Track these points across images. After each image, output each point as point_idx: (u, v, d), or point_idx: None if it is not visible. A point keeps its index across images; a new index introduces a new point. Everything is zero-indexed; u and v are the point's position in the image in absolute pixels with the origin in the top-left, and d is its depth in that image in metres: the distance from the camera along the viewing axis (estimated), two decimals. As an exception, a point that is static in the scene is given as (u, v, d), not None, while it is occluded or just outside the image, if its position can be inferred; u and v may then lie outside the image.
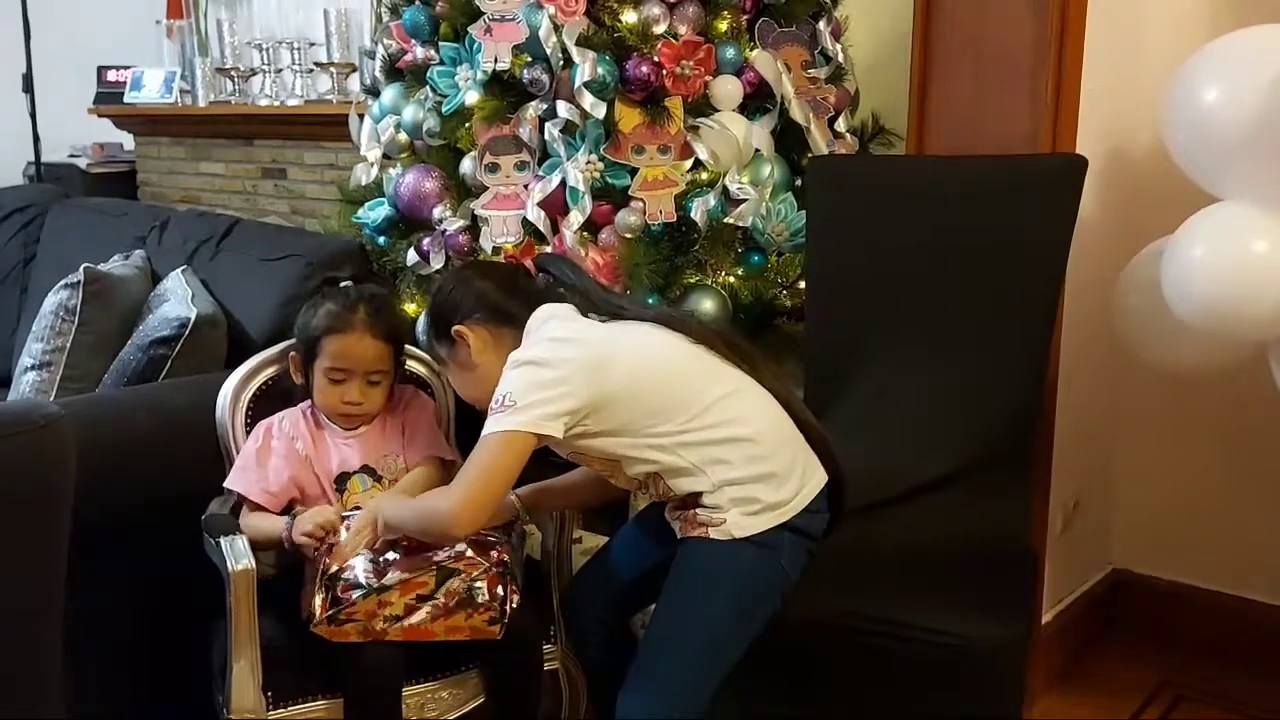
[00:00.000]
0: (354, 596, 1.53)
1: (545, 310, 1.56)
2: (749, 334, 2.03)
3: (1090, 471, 2.30)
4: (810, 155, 2.07)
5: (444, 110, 2.04)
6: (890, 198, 1.88)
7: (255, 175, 3.65)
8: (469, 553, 1.56)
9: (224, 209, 3.64)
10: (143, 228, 2.60)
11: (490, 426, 1.44)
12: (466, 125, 2.05)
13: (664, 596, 1.50)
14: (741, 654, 1.47)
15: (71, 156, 4.26)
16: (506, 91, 2.00)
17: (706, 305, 1.98)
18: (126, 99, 3.93)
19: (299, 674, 1.61)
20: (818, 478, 1.53)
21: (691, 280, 2.00)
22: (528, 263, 1.82)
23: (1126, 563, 2.42)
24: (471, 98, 2.00)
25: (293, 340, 1.78)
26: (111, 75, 4.03)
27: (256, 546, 1.61)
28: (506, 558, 1.60)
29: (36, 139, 3.88)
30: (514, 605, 1.59)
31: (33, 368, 2.14)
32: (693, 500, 1.49)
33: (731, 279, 2.03)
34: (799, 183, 2.09)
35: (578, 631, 1.72)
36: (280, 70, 3.59)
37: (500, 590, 1.57)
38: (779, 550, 1.47)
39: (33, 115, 3.84)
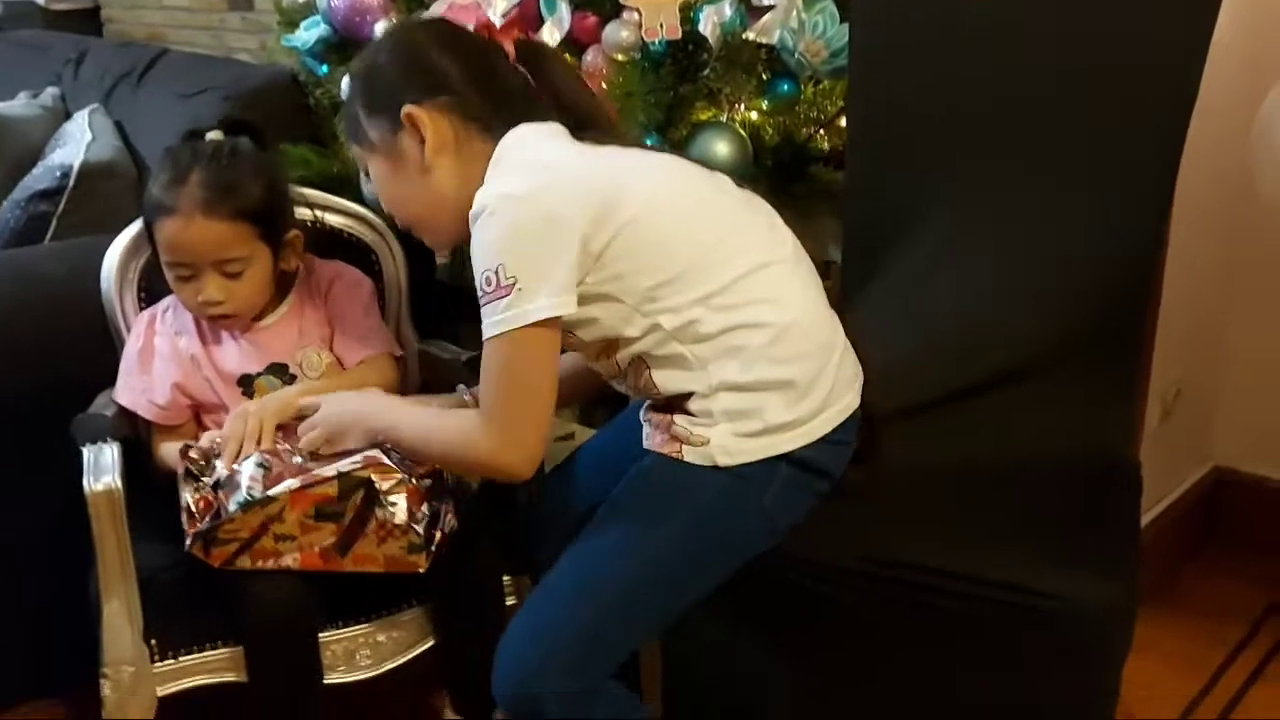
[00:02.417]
0: (230, 508, 1.18)
1: (523, 130, 1.17)
2: (776, 184, 1.64)
3: (1195, 356, 1.95)
4: (858, -53, 1.62)
5: (384, -107, 1.61)
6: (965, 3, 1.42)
7: (221, 7, 3.22)
8: (380, 457, 1.21)
9: (189, 46, 3.24)
10: (62, 63, 2.22)
11: (492, 322, 1.08)
12: (414, -87, 1.62)
13: (591, 524, 1.14)
14: (676, 616, 1.13)
15: (32, -9, 3.84)
16: None
17: (721, 148, 1.57)
18: (80, -79, 3.47)
19: (192, 616, 1.30)
20: (848, 399, 1.16)
21: (702, 116, 1.60)
22: (507, 45, 1.32)
23: (1230, 460, 2.11)
24: (416, -126, 1.57)
25: (138, 226, 1.41)
26: (65, -105, 3.56)
27: (171, 480, 1.28)
28: (439, 467, 1.25)
29: (-21, -29, 3.45)
30: (446, 531, 1.24)
31: (-92, 229, 1.78)
32: (677, 403, 1.12)
33: (753, 114, 1.63)
34: (842, -14, 1.64)
35: (534, 570, 1.35)
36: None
37: (424, 510, 1.22)
38: (763, 487, 1.11)
39: (-28, -57, 3.40)
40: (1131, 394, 1.55)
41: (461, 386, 1.33)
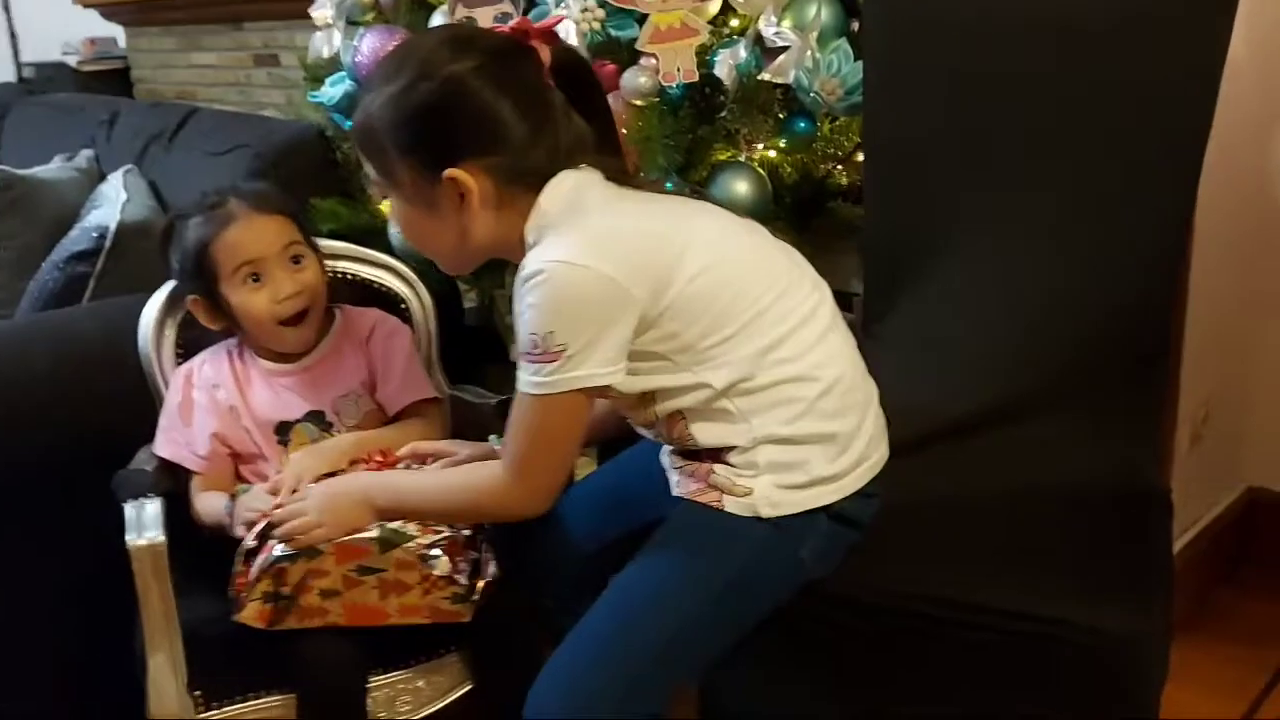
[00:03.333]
0: (275, 554, 1.20)
1: (568, 180, 1.12)
2: (796, 221, 1.65)
3: (1223, 375, 1.92)
4: (869, -13, 1.63)
5: (404, -48, 1.65)
6: (975, 36, 1.43)
7: (248, 64, 3.29)
8: None
9: (219, 104, 3.30)
10: (96, 125, 2.27)
11: (532, 382, 1.07)
12: (435, -30, 1.66)
13: (627, 570, 1.13)
14: (711, 662, 1.12)
15: (65, 54, 3.93)
16: (480, -76, 1.60)
17: (741, 187, 1.59)
18: (108, -17, 3.56)
19: (237, 667, 1.31)
20: (882, 450, 1.16)
21: (721, 157, 1.61)
22: (542, 52, 1.17)
23: (1263, 480, 2.07)
24: (436, -66, 1.61)
25: (174, 284, 1.44)
26: (93, -40, 3.65)
27: (212, 533, 1.32)
28: None
29: (14, 35, 3.55)
30: (489, 579, 1.25)
31: (-47, 292, 1.83)
32: (715, 453, 1.12)
33: (771, 153, 1.63)
34: (855, 25, 1.65)
35: (541, 612, 1.36)
36: (266, -61, 3.18)
37: (465, 560, 1.23)
38: (802, 538, 1.10)
39: (6, 9, 3.50)
40: (1159, 418, 1.54)
41: (494, 438, 1.34)
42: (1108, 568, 1.13)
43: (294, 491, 1.25)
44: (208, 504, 1.36)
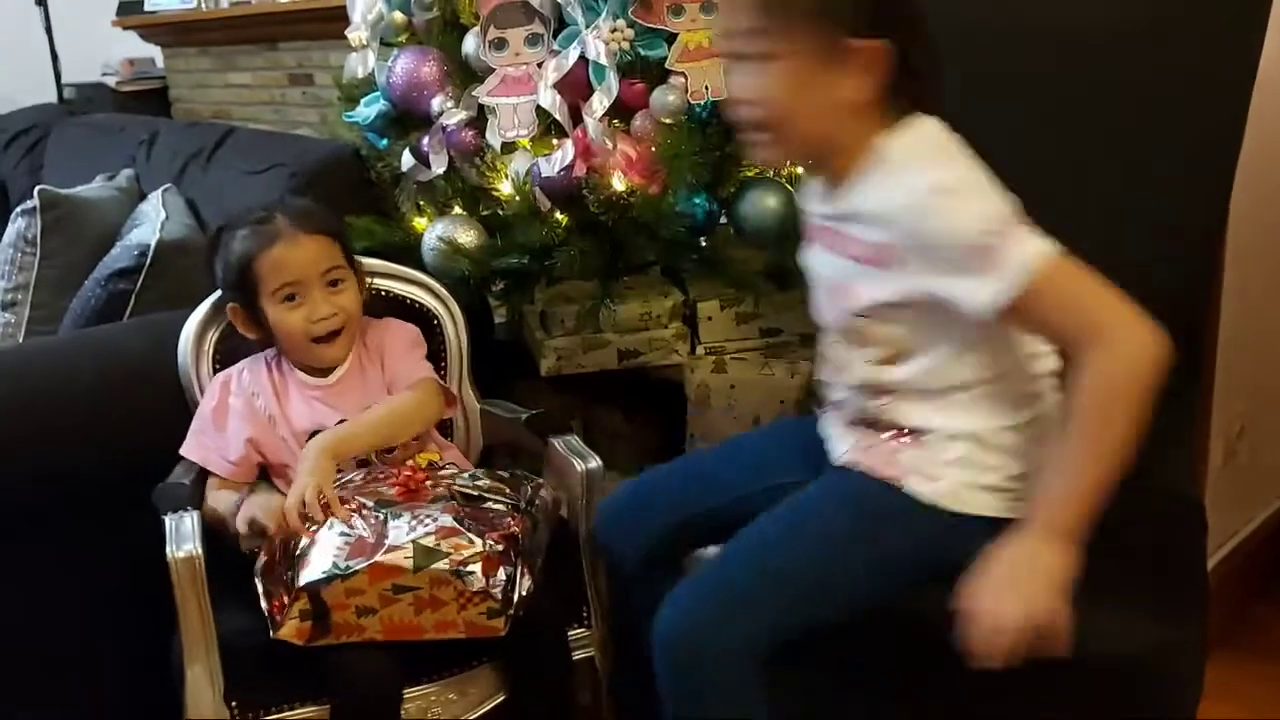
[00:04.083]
0: (317, 576, 1.21)
1: (933, 123, 1.08)
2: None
3: (1258, 389, 1.89)
4: None
5: (438, -25, 1.67)
6: (1002, 40, 1.43)
7: (283, 83, 3.35)
8: (456, 526, 1.23)
9: (254, 123, 3.35)
10: (136, 144, 2.32)
11: (1016, 270, 0.99)
12: (467, -8, 1.68)
13: (774, 511, 1.12)
14: (818, 623, 1.09)
15: (104, 75, 4.01)
16: (511, -54, 1.62)
17: (770, 202, 1.61)
18: (147, 6, 3.64)
19: (273, 678, 1.32)
20: None
21: (749, 173, 1.63)
22: None
23: None
24: (468, -44, 1.63)
25: (219, 294, 1.47)
26: (134, -17, 3.74)
27: (222, 530, 1.33)
28: (517, 531, 1.27)
29: (55, 56, 3.62)
30: (525, 593, 1.26)
31: (-2, 309, 1.87)
32: (906, 431, 1.11)
33: (799, 169, 1.62)
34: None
35: (608, 552, 1.34)
36: (302, -39, 3.24)
37: (502, 575, 1.24)
38: (970, 542, 1.03)
39: (48, 31, 3.57)
40: (1193, 433, 1.53)
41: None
42: (1142, 583, 1.12)
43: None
44: (220, 499, 1.39)
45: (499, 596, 1.23)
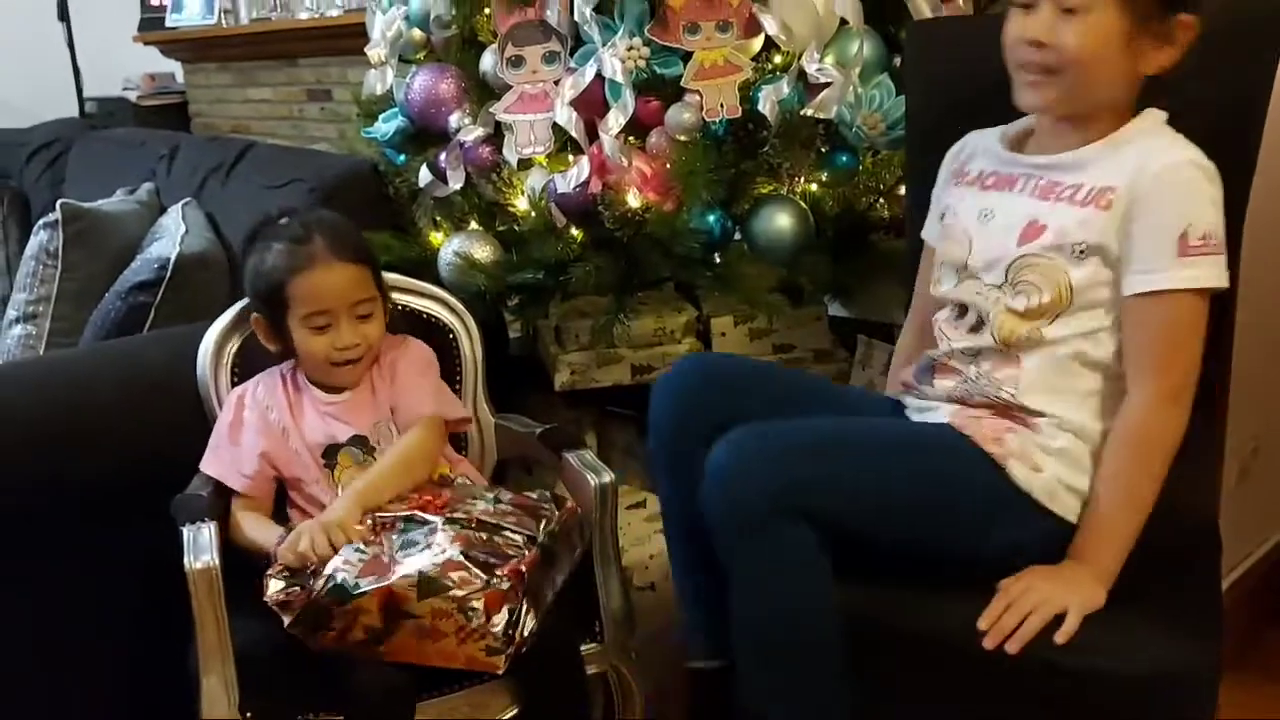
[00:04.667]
0: (325, 593, 1.22)
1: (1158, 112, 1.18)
2: (839, 253, 1.67)
3: (1273, 410, 1.88)
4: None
5: (456, -8, 1.69)
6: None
7: (301, 99, 3.37)
8: (463, 560, 1.22)
9: (272, 137, 3.38)
10: (156, 159, 2.34)
11: (1191, 278, 1.08)
12: (485, 10, 1.70)
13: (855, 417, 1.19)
14: (875, 524, 1.11)
15: (125, 89, 4.05)
16: (529, -35, 1.64)
17: (783, 220, 1.61)
18: (168, 23, 3.67)
19: (288, 689, 1.33)
20: None
21: (763, 190, 1.64)
22: None
23: None
24: (487, -25, 1.65)
25: (246, 301, 1.48)
26: (155, -1, 3.78)
27: (253, 557, 1.34)
28: (525, 568, 1.25)
29: (77, 71, 3.66)
30: (528, 633, 1.24)
31: (19, 320, 1.90)
32: (1018, 412, 1.15)
33: (813, 186, 1.65)
34: (897, 61, 1.67)
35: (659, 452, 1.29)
36: (321, -23, 3.27)
37: (505, 613, 1.22)
38: (1047, 544, 1.12)
39: (70, 46, 3.61)
40: (1209, 453, 1.52)
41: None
42: (1155, 604, 1.12)
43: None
44: (260, 533, 1.39)
45: (499, 635, 1.22)
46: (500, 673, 1.25)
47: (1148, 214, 1.09)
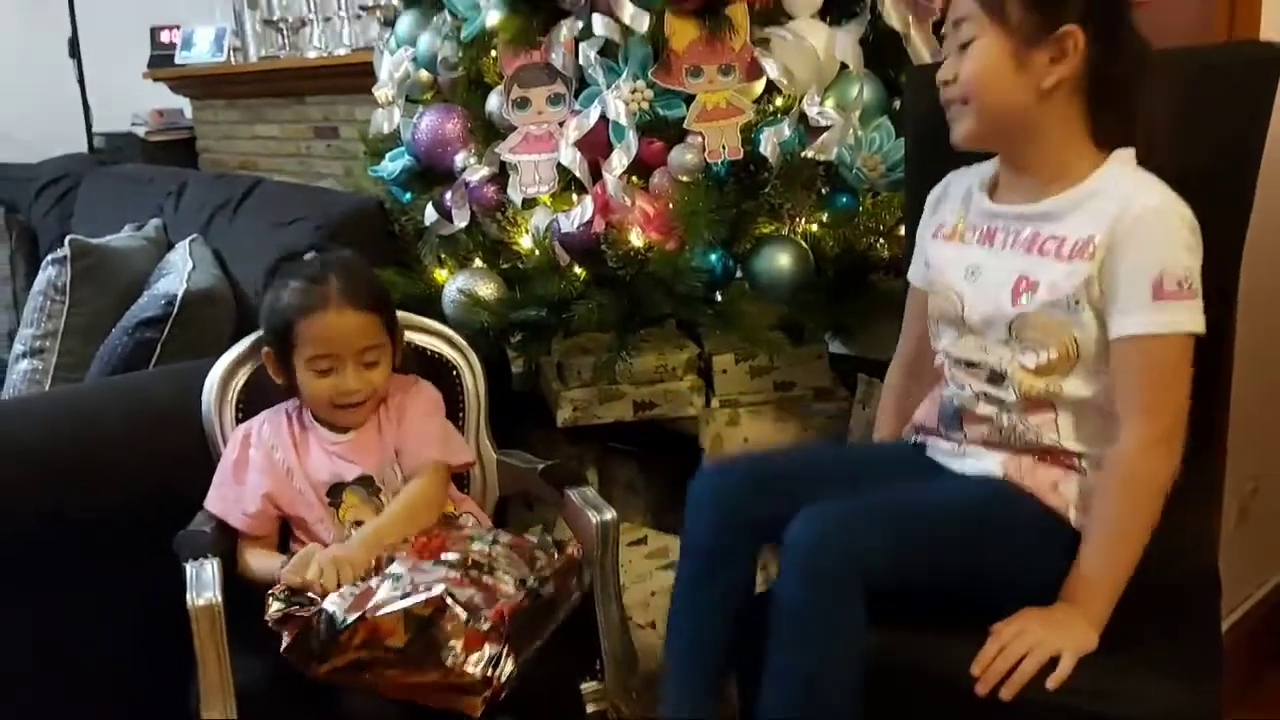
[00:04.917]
0: (314, 622, 1.22)
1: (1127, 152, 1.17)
2: (839, 293, 1.68)
3: (1272, 450, 1.89)
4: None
5: (463, 36, 1.72)
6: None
7: (308, 136, 3.41)
8: (448, 600, 1.21)
9: (279, 174, 3.41)
10: (164, 195, 2.37)
11: (1171, 323, 1.09)
12: (492, 53, 1.72)
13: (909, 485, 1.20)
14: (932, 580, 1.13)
15: (134, 125, 4.09)
16: (535, 10, 1.67)
17: (783, 260, 1.62)
18: (177, 60, 3.72)
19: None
20: None
21: (764, 230, 1.65)
22: None
23: None
24: (494, 18, 1.68)
25: (260, 333, 1.49)
26: (165, 36, 3.82)
27: (260, 587, 1.33)
28: (506, 611, 1.23)
29: (86, 107, 3.70)
30: (504, 678, 1.22)
31: (25, 355, 1.91)
32: (1059, 455, 1.17)
33: (814, 227, 1.67)
34: (897, 104, 1.69)
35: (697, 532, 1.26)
36: (329, 18, 3.31)
37: (486, 653, 1.21)
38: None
39: (80, 82, 3.66)
40: (1207, 494, 1.52)
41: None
42: (1155, 646, 1.12)
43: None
44: (263, 562, 1.40)
45: (477, 676, 1.21)
46: (477, 715, 1.22)
47: (1126, 256, 1.10)
